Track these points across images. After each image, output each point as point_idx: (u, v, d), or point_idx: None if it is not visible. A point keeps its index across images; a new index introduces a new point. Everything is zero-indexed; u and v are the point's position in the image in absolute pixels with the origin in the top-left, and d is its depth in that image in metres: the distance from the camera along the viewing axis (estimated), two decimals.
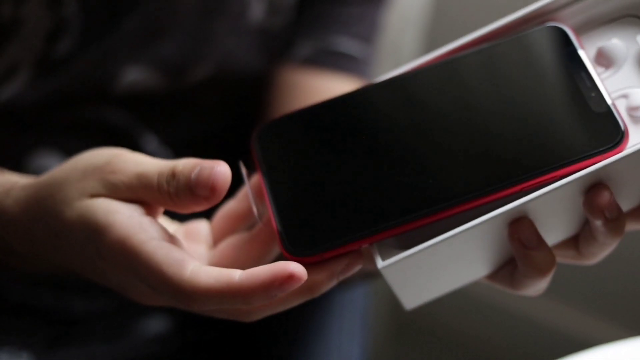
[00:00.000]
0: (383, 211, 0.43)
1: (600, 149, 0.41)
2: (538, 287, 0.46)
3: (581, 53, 0.44)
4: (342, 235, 0.43)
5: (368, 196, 0.43)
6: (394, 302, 1.34)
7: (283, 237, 0.43)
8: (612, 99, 0.43)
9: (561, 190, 0.41)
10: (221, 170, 0.42)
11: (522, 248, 0.43)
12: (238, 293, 0.41)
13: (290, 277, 0.41)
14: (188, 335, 0.76)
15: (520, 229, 0.43)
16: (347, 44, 0.71)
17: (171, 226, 0.49)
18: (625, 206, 0.44)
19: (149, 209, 0.45)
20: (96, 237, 0.43)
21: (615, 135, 0.42)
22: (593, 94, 0.43)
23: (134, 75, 0.66)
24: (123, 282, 0.45)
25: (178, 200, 0.43)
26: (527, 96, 0.44)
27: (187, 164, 0.43)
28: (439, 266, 0.44)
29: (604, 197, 0.41)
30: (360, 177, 0.44)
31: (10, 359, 0.69)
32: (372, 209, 0.43)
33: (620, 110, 0.43)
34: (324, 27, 0.71)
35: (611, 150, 0.41)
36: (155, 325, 0.74)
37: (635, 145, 0.41)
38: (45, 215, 0.46)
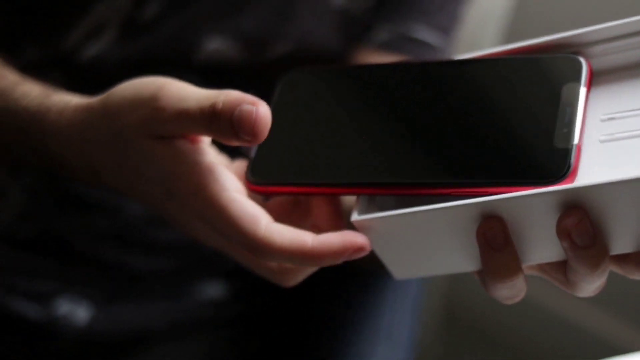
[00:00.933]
0: (334, 172, 0.47)
1: (535, 180, 0.42)
2: (501, 292, 0.44)
3: (581, 90, 0.44)
4: (291, 179, 0.47)
5: (332, 156, 0.47)
6: (446, 295, 1.35)
7: (249, 164, 0.49)
8: (581, 143, 0.43)
9: (522, 200, 0.41)
10: (262, 112, 0.43)
11: (485, 246, 0.42)
12: (309, 256, 0.44)
13: (360, 248, 0.44)
14: (243, 304, 0.77)
15: (488, 226, 0.42)
16: (425, 32, 0.71)
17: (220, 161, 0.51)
18: (624, 247, 0.42)
19: (196, 139, 0.46)
20: (168, 184, 0.46)
21: (558, 172, 0.42)
22: (565, 130, 0.43)
23: (215, 45, 0.67)
24: (188, 223, 0.47)
25: (221, 138, 0.44)
26: (506, 112, 0.46)
27: (226, 103, 0.43)
28: (420, 241, 0.45)
29: (570, 219, 0.40)
30: (335, 139, 0.48)
31: (72, 306, 0.71)
32: (329, 167, 0.47)
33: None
34: (403, 14, 0.71)
35: (545, 185, 0.41)
36: (213, 290, 0.76)
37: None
38: (102, 144, 0.48)
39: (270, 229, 0.44)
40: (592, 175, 0.42)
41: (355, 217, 0.45)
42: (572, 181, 0.42)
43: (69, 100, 0.51)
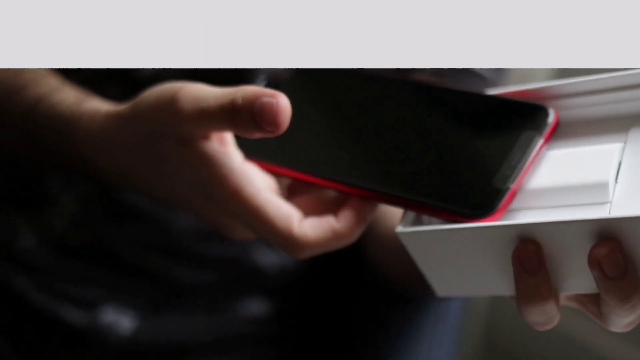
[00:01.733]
0: (312, 162, 0.50)
1: (458, 210, 0.44)
2: (531, 317, 0.44)
3: (539, 140, 0.46)
4: (272, 158, 0.51)
5: (312, 149, 0.51)
6: (486, 322, 1.34)
7: (237, 140, 0.51)
8: (517, 188, 0.45)
9: (557, 227, 0.42)
10: (282, 103, 0.44)
11: (519, 268, 0.43)
12: (342, 237, 0.48)
13: (372, 208, 0.49)
14: (283, 323, 0.78)
15: (523, 249, 0.42)
16: None
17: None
18: None
19: (224, 142, 0.48)
20: (204, 188, 0.48)
21: (482, 209, 0.44)
22: (507, 172, 0.45)
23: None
24: (226, 223, 0.50)
25: (244, 132, 0.45)
26: (464, 142, 0.48)
27: (246, 97, 0.44)
28: (461, 259, 0.46)
29: (601, 249, 0.40)
30: (320, 135, 0.52)
31: (117, 315, 0.72)
32: (309, 157, 0.51)
33: None
34: None
35: (469, 218, 0.44)
36: (257, 307, 0.76)
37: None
38: (132, 150, 0.50)
39: (303, 226, 0.47)
40: (631, 208, 0.43)
41: (400, 229, 0.47)
42: (496, 220, 0.44)
43: (99, 107, 0.53)
